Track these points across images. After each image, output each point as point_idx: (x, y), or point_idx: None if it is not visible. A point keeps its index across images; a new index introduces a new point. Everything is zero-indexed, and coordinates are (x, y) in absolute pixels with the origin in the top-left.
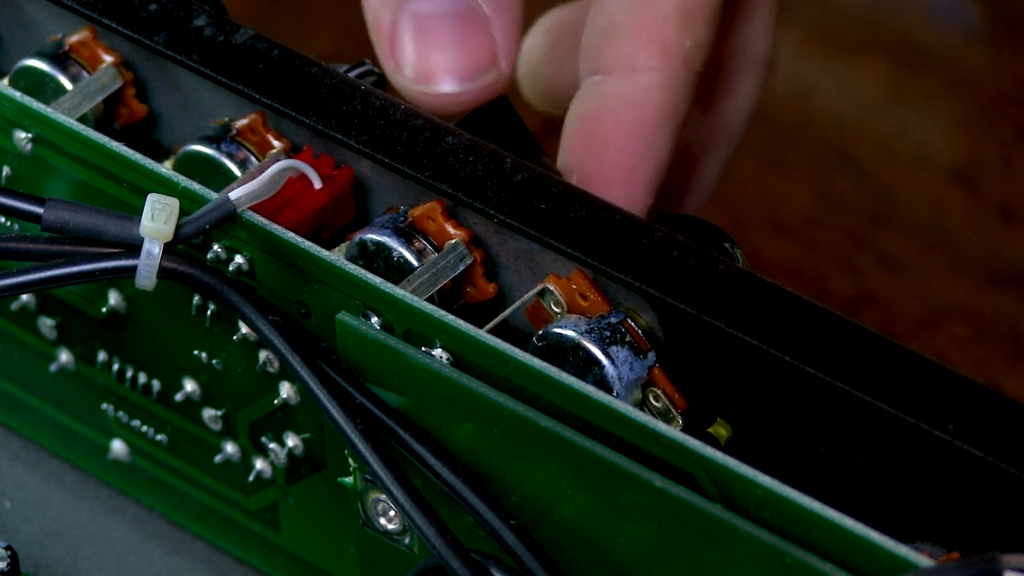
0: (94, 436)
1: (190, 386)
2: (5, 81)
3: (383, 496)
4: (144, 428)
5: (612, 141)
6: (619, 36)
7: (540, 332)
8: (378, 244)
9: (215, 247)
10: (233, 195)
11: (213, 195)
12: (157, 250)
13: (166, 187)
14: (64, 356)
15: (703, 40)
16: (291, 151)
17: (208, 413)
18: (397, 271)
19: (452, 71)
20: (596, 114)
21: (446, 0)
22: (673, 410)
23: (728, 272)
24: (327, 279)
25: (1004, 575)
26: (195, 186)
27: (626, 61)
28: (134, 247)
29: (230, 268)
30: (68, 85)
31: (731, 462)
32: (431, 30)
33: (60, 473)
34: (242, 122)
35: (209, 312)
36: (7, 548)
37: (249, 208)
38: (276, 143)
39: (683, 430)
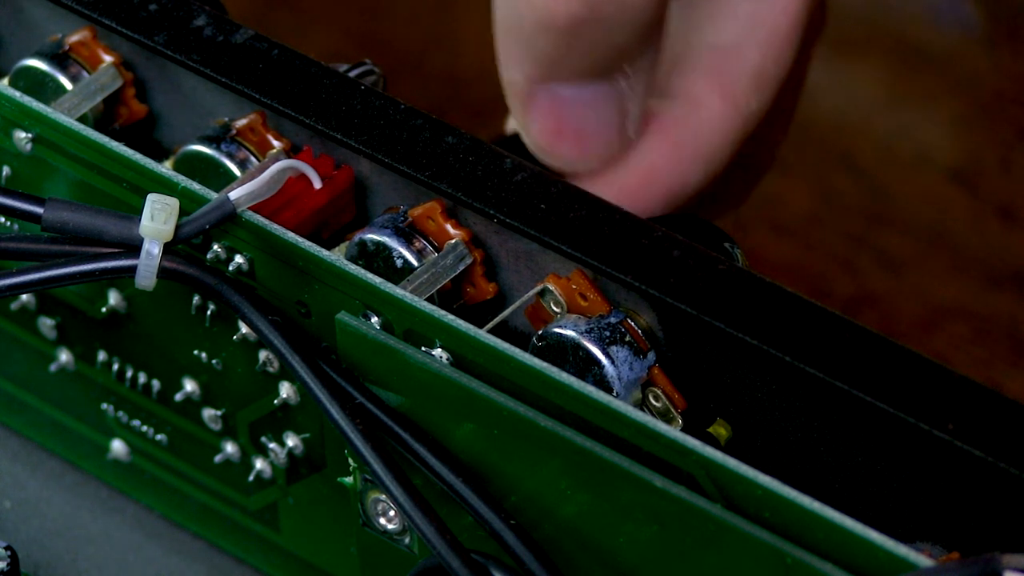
0: (94, 436)
1: (190, 386)
2: (5, 81)
3: (383, 496)
4: (144, 428)
5: (653, 150)
6: (692, 71)
7: (540, 332)
8: (378, 244)
9: (215, 247)
10: (233, 195)
11: (213, 195)
12: (157, 250)
13: (166, 187)
14: (64, 356)
15: (765, 106)
16: (291, 151)
17: (208, 413)
18: (397, 271)
19: (580, 158)
20: (646, 121)
21: (589, 88)
22: (673, 410)
23: (728, 272)
24: (327, 279)
25: (1004, 575)
26: (195, 186)
27: (695, 96)
28: (134, 247)
29: (230, 268)
30: (68, 85)
31: (731, 462)
32: (566, 112)
33: (60, 473)
34: (242, 122)
35: (209, 312)
36: (7, 548)
37: (249, 208)
38: (276, 143)
39: (683, 430)
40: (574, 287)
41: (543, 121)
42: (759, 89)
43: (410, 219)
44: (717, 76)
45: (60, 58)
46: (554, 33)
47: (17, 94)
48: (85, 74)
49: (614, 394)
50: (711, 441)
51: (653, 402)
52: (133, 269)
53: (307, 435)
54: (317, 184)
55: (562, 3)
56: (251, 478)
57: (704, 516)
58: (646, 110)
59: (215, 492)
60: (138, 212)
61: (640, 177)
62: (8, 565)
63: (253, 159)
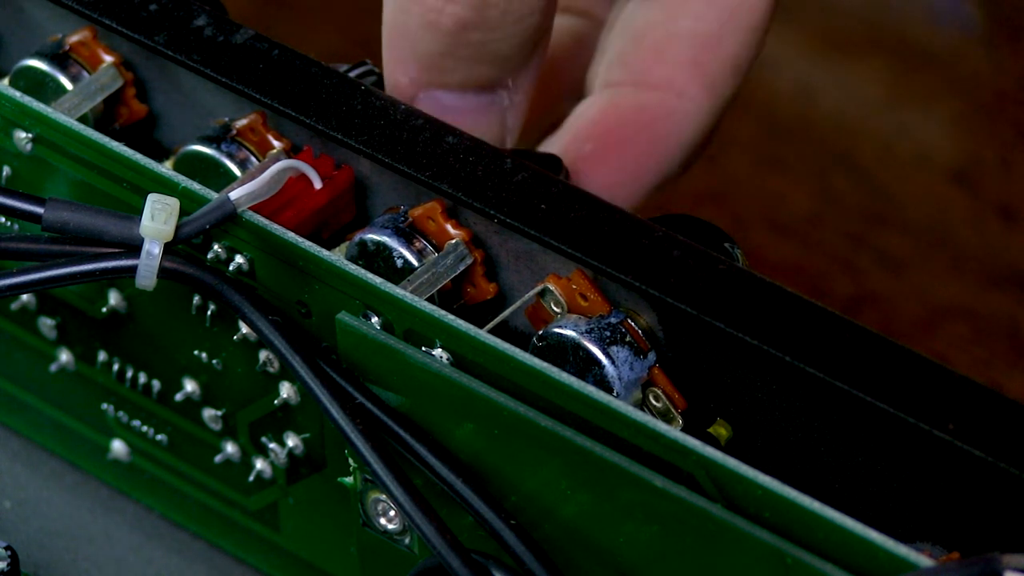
0: (94, 436)
1: (190, 386)
2: (5, 81)
3: (383, 496)
4: (144, 428)
5: (639, 142)
6: (673, 61)
7: (540, 332)
8: (378, 244)
9: (215, 247)
10: (233, 195)
11: (213, 195)
12: (157, 250)
13: (166, 187)
14: (64, 356)
15: (736, 90)
16: (291, 151)
17: (208, 413)
18: (397, 271)
19: None
20: (632, 114)
21: (471, 97)
22: (673, 410)
23: (728, 272)
24: (327, 279)
25: (1004, 575)
26: (195, 186)
27: (676, 85)
28: (134, 247)
29: (230, 268)
30: (68, 85)
31: (731, 462)
32: (447, 118)
33: (60, 473)
34: (242, 122)
35: (209, 312)
36: (7, 548)
37: (249, 208)
38: (276, 143)
39: (683, 430)
40: (574, 287)
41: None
42: (736, 76)
43: (410, 219)
44: (698, 66)
45: (60, 58)
46: (440, 35)
47: (17, 94)
48: (85, 74)
49: (614, 394)
50: (711, 441)
51: (653, 402)
52: (133, 269)
53: (307, 435)
54: (317, 184)
55: (450, 4)
56: (251, 478)
57: (704, 516)
58: (632, 102)
59: (215, 492)
60: (138, 212)
61: (628, 169)
62: (8, 565)
63: (253, 159)
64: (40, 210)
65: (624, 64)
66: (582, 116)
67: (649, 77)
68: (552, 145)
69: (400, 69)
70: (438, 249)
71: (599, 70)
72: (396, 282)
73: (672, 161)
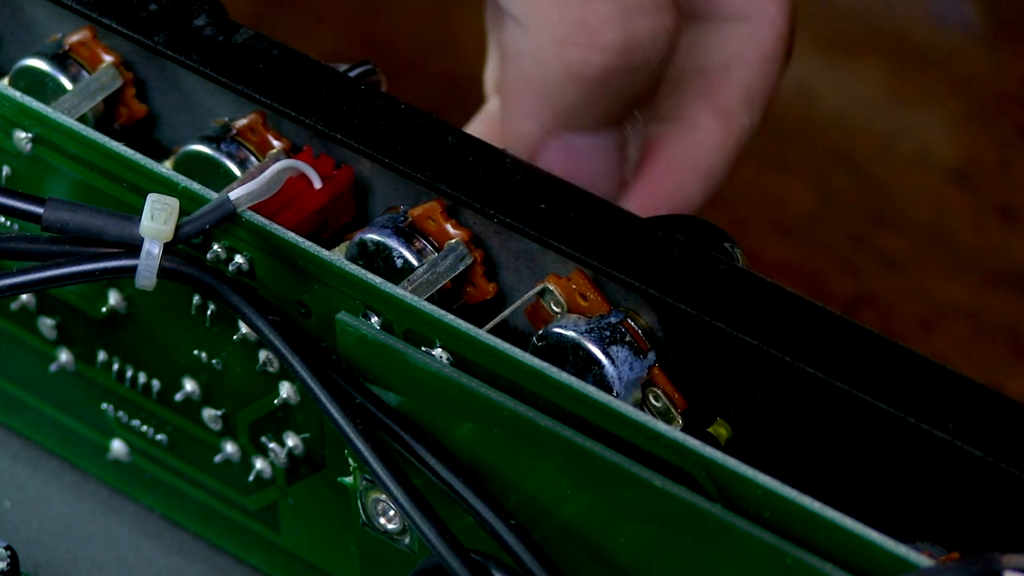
0: (94, 436)
1: (190, 386)
2: (5, 81)
3: (383, 496)
4: (144, 428)
5: (655, 173)
6: (686, 94)
7: (540, 332)
8: (378, 244)
9: (215, 247)
10: (233, 195)
11: (213, 195)
12: (157, 250)
13: (166, 187)
14: (64, 356)
15: (758, 120)
16: (291, 151)
17: (208, 413)
18: (397, 271)
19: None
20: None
21: (601, 136)
22: (673, 410)
23: (728, 272)
24: (327, 279)
25: (1004, 575)
26: (195, 186)
27: (690, 118)
28: (134, 247)
29: (230, 268)
30: (68, 85)
31: (731, 462)
32: (574, 159)
33: (60, 473)
34: (242, 122)
35: (209, 312)
36: (7, 548)
37: (249, 208)
38: (276, 143)
39: (683, 430)
40: (574, 287)
41: (553, 169)
42: (750, 105)
43: (410, 219)
44: (709, 98)
45: (60, 58)
46: (583, 84)
47: (17, 94)
48: (85, 74)
49: (614, 394)
50: (711, 441)
51: (653, 402)
52: (133, 269)
53: (307, 435)
54: (317, 184)
55: (596, 54)
56: (251, 478)
57: (704, 516)
58: (646, 134)
59: (215, 492)
60: (138, 212)
61: (644, 200)
62: (8, 565)
63: (253, 159)
64: (40, 210)
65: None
66: None
67: (663, 111)
68: None
69: (531, 119)
70: (438, 249)
71: None
72: (396, 282)
73: (689, 189)
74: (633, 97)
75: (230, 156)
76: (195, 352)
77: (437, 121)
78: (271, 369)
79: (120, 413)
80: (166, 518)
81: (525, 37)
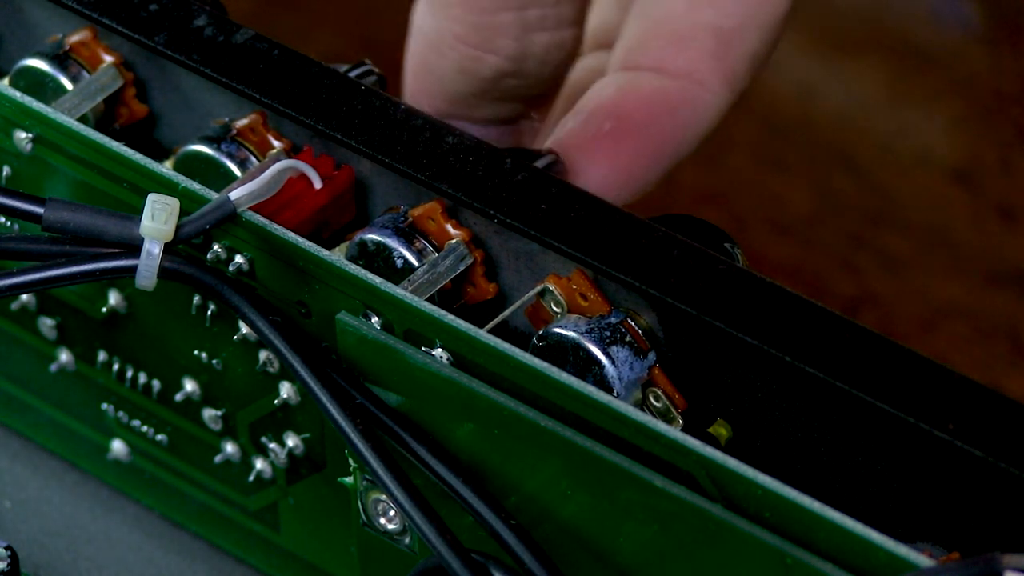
0: (94, 436)
1: (190, 386)
2: (5, 81)
3: (383, 496)
4: (144, 428)
5: (659, 126)
6: (697, 52)
7: (540, 332)
8: (378, 244)
9: (215, 247)
10: (233, 195)
11: (213, 195)
12: (157, 250)
13: (166, 187)
14: (64, 356)
15: (747, 84)
16: (291, 151)
17: (208, 413)
18: (397, 271)
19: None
20: (654, 97)
21: (493, 128)
22: (673, 410)
23: (728, 272)
24: (327, 279)
25: (1004, 575)
26: (195, 186)
27: (699, 77)
28: (134, 247)
29: (230, 268)
30: (68, 85)
31: (731, 462)
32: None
33: (60, 473)
34: (242, 122)
35: (209, 312)
36: (7, 548)
37: (249, 208)
38: (276, 143)
39: (683, 430)
40: (574, 287)
41: None
42: (752, 71)
43: (410, 219)
44: (719, 59)
45: (60, 58)
46: (475, 80)
47: (17, 94)
48: (85, 74)
49: (614, 394)
50: (711, 441)
51: (653, 402)
52: (133, 269)
53: (307, 435)
54: (317, 184)
55: (490, 56)
56: (251, 478)
57: (704, 516)
58: (654, 86)
59: (215, 492)
60: (138, 212)
61: (647, 151)
62: (8, 565)
63: (253, 159)
64: (40, 210)
65: (644, 49)
66: (600, 95)
67: (670, 64)
68: (568, 122)
69: (425, 101)
70: (438, 249)
71: (615, 52)
72: (396, 282)
73: (687, 148)
74: (529, 99)
75: (230, 156)
76: (195, 352)
77: (437, 121)
78: (271, 369)
79: (120, 413)
80: (166, 518)
81: (430, 20)
